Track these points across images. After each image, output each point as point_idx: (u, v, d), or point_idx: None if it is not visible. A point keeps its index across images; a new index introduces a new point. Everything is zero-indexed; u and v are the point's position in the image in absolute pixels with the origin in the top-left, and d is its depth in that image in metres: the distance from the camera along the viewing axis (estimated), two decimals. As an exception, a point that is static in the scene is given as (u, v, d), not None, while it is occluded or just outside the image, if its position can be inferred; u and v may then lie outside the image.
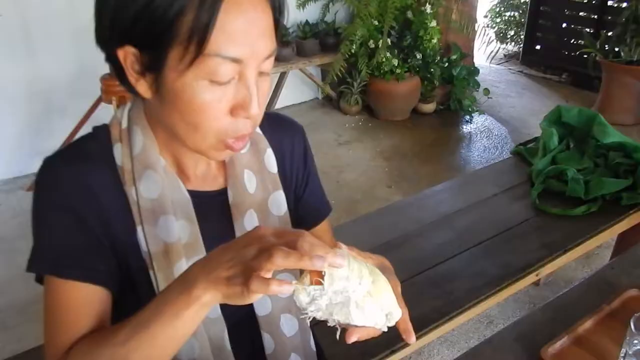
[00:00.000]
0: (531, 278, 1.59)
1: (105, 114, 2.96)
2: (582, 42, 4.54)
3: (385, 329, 0.67)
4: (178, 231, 0.76)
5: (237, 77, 0.67)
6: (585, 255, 2.35)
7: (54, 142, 3.16)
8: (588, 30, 4.74)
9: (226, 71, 0.65)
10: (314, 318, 0.64)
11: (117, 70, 0.70)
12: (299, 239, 0.58)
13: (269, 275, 0.57)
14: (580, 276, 2.53)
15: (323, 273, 0.61)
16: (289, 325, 0.87)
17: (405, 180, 3.40)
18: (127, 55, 0.67)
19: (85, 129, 2.99)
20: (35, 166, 2.81)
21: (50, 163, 0.75)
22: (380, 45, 3.88)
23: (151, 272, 0.76)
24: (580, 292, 1.23)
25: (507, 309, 2.34)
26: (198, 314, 0.62)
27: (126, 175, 0.75)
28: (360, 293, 0.63)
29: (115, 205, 0.75)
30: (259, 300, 0.82)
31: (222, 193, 0.83)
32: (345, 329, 0.65)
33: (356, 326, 0.64)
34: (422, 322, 1.36)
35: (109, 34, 0.68)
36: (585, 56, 4.36)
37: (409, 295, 1.42)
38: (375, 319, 0.65)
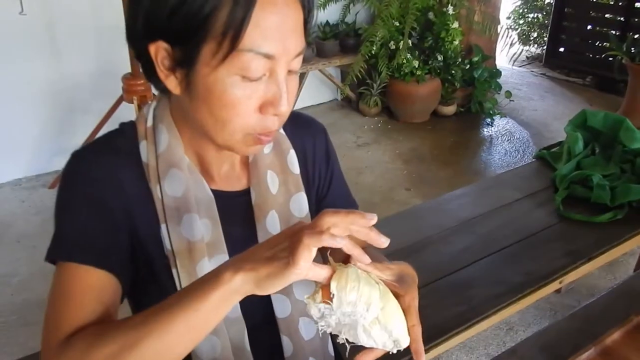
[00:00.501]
0: (554, 286, 1.56)
1: (126, 113, 3.00)
2: (608, 45, 4.46)
3: (394, 351, 0.67)
4: (201, 230, 0.77)
5: (268, 74, 0.67)
6: (609, 262, 2.31)
7: (76, 140, 3.22)
8: (614, 32, 4.65)
9: (258, 67, 0.65)
10: None
11: (147, 66, 0.71)
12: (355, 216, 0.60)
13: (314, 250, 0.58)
14: (603, 284, 2.48)
15: (332, 295, 0.61)
16: (307, 329, 0.86)
17: (424, 183, 3.37)
18: (159, 50, 0.68)
19: (107, 128, 3.05)
20: (57, 164, 2.85)
21: (79, 154, 0.76)
22: (401, 47, 3.85)
23: (174, 270, 0.76)
24: (606, 302, 1.20)
25: (527, 315, 2.30)
26: (224, 301, 0.60)
27: (151, 173, 0.76)
28: (368, 319, 0.63)
29: (140, 201, 0.75)
30: (279, 303, 0.83)
31: (245, 193, 0.83)
32: (354, 346, 0.65)
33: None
34: (442, 328, 1.34)
35: (143, 29, 0.68)
36: (610, 59, 4.28)
37: (429, 301, 1.42)
38: (383, 343, 0.65)
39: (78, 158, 0.75)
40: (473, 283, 1.50)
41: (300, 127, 0.91)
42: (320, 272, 0.61)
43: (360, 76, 3.94)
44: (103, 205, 0.73)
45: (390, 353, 0.67)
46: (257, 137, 0.71)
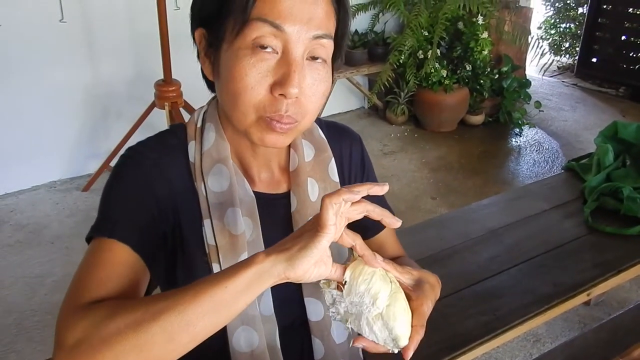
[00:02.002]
0: (582, 298, 1.54)
1: (157, 119, 3.07)
2: (642, 55, 4.38)
3: (395, 351, 0.69)
4: (243, 225, 0.79)
5: (280, 51, 0.69)
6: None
7: (108, 145, 3.30)
8: (648, 43, 4.57)
9: (268, 37, 0.68)
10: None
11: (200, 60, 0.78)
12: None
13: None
14: (634, 297, 2.43)
15: (344, 282, 0.66)
16: (339, 332, 0.88)
17: (450, 193, 3.36)
18: (200, 37, 0.75)
19: (139, 133, 3.13)
20: (91, 167, 2.93)
21: (133, 148, 0.80)
22: (429, 56, 3.85)
23: (215, 265, 0.77)
24: (634, 315, 1.19)
25: (555, 327, 2.27)
26: (255, 282, 0.59)
27: (196, 171, 0.79)
28: (372, 313, 0.66)
29: (186, 198, 0.78)
30: (312, 305, 0.85)
31: (285, 197, 0.85)
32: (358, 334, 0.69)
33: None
34: (467, 337, 1.34)
35: (191, 19, 0.76)
36: (644, 69, 4.21)
37: (454, 310, 1.42)
38: (384, 339, 0.67)
39: (132, 150, 0.79)
40: (499, 293, 1.50)
41: (337, 134, 0.93)
42: (348, 240, 0.65)
43: (387, 85, 3.95)
44: (150, 193, 0.75)
45: (391, 352, 0.69)
46: (269, 122, 0.71)
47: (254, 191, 0.82)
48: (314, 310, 0.86)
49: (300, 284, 0.85)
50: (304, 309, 0.86)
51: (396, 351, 0.69)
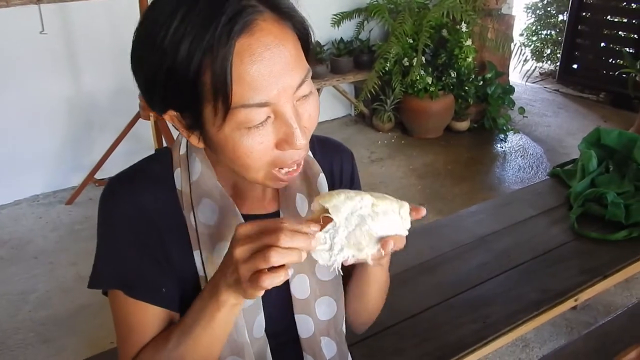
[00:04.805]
0: (569, 304, 1.56)
1: (143, 130, 3.05)
2: (622, 62, 4.45)
3: (407, 230, 0.70)
4: None
5: (273, 115, 0.67)
6: (625, 279, 2.29)
7: (93, 157, 3.27)
8: (628, 50, 4.65)
9: (258, 116, 0.66)
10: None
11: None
12: (280, 235, 0.60)
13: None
14: (620, 301, 2.45)
15: (326, 211, 0.65)
16: (328, 348, 0.88)
17: (438, 199, 3.37)
18: (172, 118, 0.71)
19: (124, 145, 3.10)
20: (75, 180, 2.90)
21: (114, 185, 0.78)
22: (414, 63, 3.88)
23: None
24: (622, 321, 1.20)
25: (543, 332, 2.28)
26: (229, 314, 0.70)
27: (184, 200, 0.78)
28: (367, 205, 0.67)
29: (173, 229, 0.78)
30: (303, 323, 0.85)
31: (275, 215, 0.85)
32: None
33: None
34: (458, 346, 1.34)
35: (150, 103, 0.72)
36: (624, 75, 4.28)
37: (445, 318, 1.42)
38: (393, 220, 0.68)
39: (113, 189, 0.78)
40: (489, 300, 1.50)
41: (329, 150, 0.94)
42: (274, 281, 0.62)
43: (374, 92, 3.97)
44: (140, 238, 0.77)
45: (407, 230, 0.70)
46: (281, 173, 0.72)
47: (244, 214, 0.81)
48: (304, 327, 0.86)
49: (290, 302, 0.85)
50: (294, 326, 0.86)
51: (407, 229, 0.70)
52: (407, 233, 0.71)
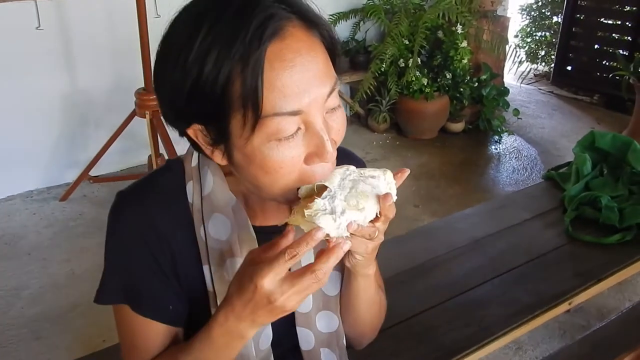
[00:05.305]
0: (563, 307, 1.57)
1: (138, 127, 3.04)
2: (615, 64, 4.48)
3: (395, 190, 0.71)
4: None
5: (304, 126, 0.66)
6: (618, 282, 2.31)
7: (88, 154, 3.26)
8: (622, 52, 4.68)
9: (289, 125, 0.64)
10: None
11: (193, 143, 0.72)
12: (295, 251, 0.62)
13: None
14: (613, 304, 2.47)
15: (323, 185, 0.67)
16: (328, 359, 0.89)
17: (433, 200, 3.38)
18: (196, 132, 0.69)
19: (119, 142, 3.09)
20: (69, 176, 2.89)
21: (124, 199, 0.78)
22: (410, 65, 3.88)
23: (213, 310, 0.78)
24: (617, 326, 1.21)
25: (536, 335, 2.30)
26: (243, 339, 0.70)
27: (196, 214, 0.77)
28: (354, 171, 0.69)
29: (184, 243, 0.77)
30: (304, 336, 0.86)
31: (285, 226, 0.84)
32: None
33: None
34: (453, 349, 1.35)
35: (173, 117, 0.70)
36: (618, 77, 4.30)
37: (440, 321, 1.43)
38: (381, 184, 0.69)
39: (122, 205, 0.77)
40: (483, 304, 1.51)
41: (340, 158, 0.93)
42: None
43: (369, 93, 3.97)
44: (150, 255, 0.76)
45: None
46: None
47: (256, 226, 0.80)
48: (305, 340, 0.87)
49: (293, 314, 0.85)
50: (296, 338, 0.86)
51: (395, 190, 0.71)
52: (395, 198, 0.70)
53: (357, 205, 0.66)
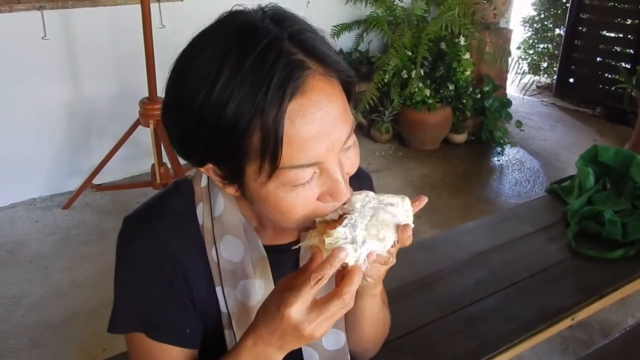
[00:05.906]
0: (566, 322, 1.56)
1: (142, 137, 3.05)
2: (618, 77, 4.49)
3: (412, 217, 0.73)
4: (257, 293, 0.78)
5: (319, 171, 0.66)
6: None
7: (91, 162, 3.26)
8: (624, 65, 4.69)
9: (306, 174, 0.65)
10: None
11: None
12: (319, 275, 0.62)
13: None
14: (615, 319, 2.46)
15: (342, 214, 0.67)
16: None
17: (435, 211, 3.38)
18: (209, 170, 0.69)
19: (122, 151, 3.10)
20: (72, 185, 2.90)
21: (133, 224, 0.77)
22: (413, 76, 3.90)
23: (226, 331, 0.78)
24: (618, 345, 1.20)
25: (538, 349, 2.28)
26: None
27: (207, 236, 0.77)
28: (374, 198, 0.69)
29: (196, 265, 0.77)
30: (308, 355, 0.86)
31: (295, 243, 0.84)
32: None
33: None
34: (455, 364, 1.35)
35: (184, 155, 0.70)
36: (620, 90, 4.31)
37: (442, 335, 1.42)
38: (400, 211, 0.70)
39: (131, 231, 0.77)
40: (486, 318, 1.50)
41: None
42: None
43: (372, 103, 3.98)
44: (163, 279, 0.75)
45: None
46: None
47: (266, 245, 0.80)
48: (310, 358, 0.86)
49: None
50: (301, 356, 0.86)
51: (412, 220, 0.72)
52: (413, 225, 0.71)
53: (378, 235, 0.66)
